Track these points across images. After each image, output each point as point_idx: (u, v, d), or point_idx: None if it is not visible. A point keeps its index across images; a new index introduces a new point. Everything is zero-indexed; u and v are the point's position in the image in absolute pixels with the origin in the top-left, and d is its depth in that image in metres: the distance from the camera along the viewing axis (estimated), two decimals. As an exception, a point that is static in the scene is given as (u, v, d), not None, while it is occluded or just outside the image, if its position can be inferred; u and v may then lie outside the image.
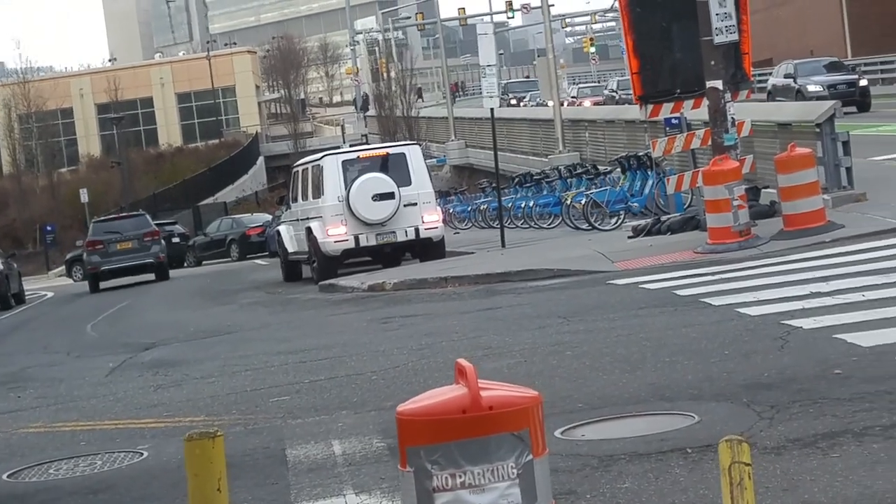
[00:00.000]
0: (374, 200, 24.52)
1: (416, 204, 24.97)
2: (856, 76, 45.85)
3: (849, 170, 20.23)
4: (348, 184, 24.62)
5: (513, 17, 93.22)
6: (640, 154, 27.12)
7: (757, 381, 9.23)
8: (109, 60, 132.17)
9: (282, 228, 28.61)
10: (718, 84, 18.54)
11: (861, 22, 65.30)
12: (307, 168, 26.41)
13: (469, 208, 39.64)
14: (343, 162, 25.12)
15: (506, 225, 28.35)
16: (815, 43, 65.21)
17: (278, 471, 8.79)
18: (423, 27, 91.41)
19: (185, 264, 51.58)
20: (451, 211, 40.21)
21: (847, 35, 66.52)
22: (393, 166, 25.05)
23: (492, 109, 27.76)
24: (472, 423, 4.31)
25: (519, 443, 4.35)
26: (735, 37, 18.55)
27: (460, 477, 4.31)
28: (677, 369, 10.09)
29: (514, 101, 73.54)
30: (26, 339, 23.76)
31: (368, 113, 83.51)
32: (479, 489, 4.31)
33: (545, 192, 32.25)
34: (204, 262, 51.19)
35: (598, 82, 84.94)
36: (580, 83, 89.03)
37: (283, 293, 25.46)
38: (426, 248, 25.50)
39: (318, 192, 25.28)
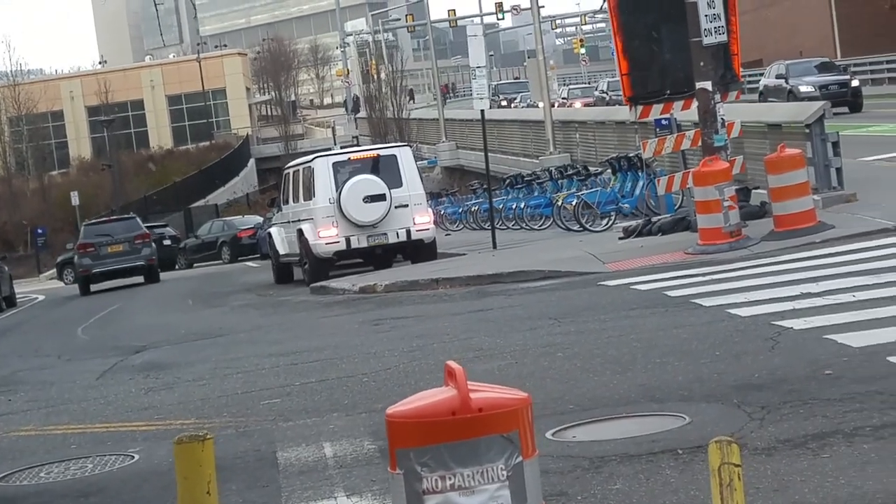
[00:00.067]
0: (366, 202, 24.52)
1: (407, 205, 24.97)
2: (847, 77, 45.92)
3: (839, 170, 20.26)
4: (339, 186, 24.61)
5: (503, 19, 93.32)
6: (631, 155, 27.15)
7: (747, 381, 9.24)
8: (100, 63, 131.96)
9: (273, 230, 28.59)
10: (708, 85, 18.56)
11: (850, 22, 65.44)
12: (298, 170, 26.40)
13: (460, 210, 39.67)
14: (334, 164, 25.12)
15: (497, 226, 28.36)
16: (804, 44, 65.34)
17: (269, 473, 8.78)
18: (413, 29, 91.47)
19: (177, 267, 51.53)
20: (442, 212, 40.22)
21: (836, 36, 66.66)
22: (384, 168, 25.06)
23: (482, 111, 27.76)
24: (462, 425, 4.31)
25: (508, 444, 4.35)
26: (724, 38, 18.57)
27: (450, 479, 4.31)
28: (668, 370, 10.10)
29: (504, 103, 73.54)
30: (17, 343, 23.73)
31: (359, 115, 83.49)
32: (468, 491, 4.31)
33: (536, 194, 32.28)
34: (195, 265, 51.14)
35: (589, 83, 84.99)
36: (570, 84, 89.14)
37: (275, 295, 25.45)
38: (418, 250, 25.50)
39: (310, 194, 25.27)
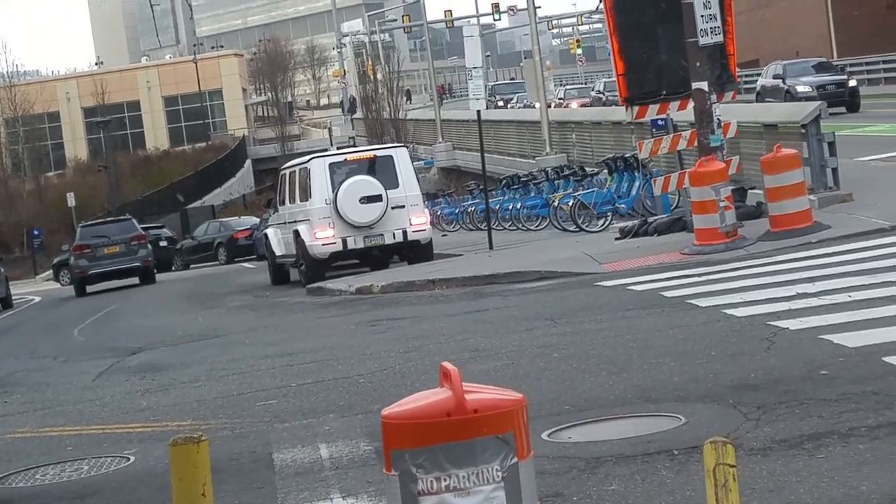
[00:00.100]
0: (362, 203, 24.51)
1: (403, 206, 24.97)
2: (845, 77, 45.91)
3: (835, 170, 20.28)
4: (336, 186, 24.60)
5: (499, 20, 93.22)
6: (627, 155, 27.16)
7: (743, 382, 9.24)
8: (96, 64, 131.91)
9: (269, 231, 28.59)
10: (704, 85, 18.57)
11: (846, 23, 65.48)
12: (294, 171, 26.39)
13: (457, 210, 39.68)
14: (330, 164, 25.11)
15: (493, 227, 28.37)
16: (800, 44, 65.37)
17: (265, 475, 8.78)
18: (410, 29, 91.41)
19: (173, 268, 51.52)
20: (438, 213, 40.24)
21: (832, 36, 66.70)
22: (380, 169, 25.05)
23: (478, 111, 27.78)
24: (457, 426, 4.31)
25: (504, 446, 4.35)
26: (720, 38, 18.58)
27: (445, 480, 4.31)
28: (664, 371, 10.10)
29: (501, 103, 73.54)
30: (13, 344, 23.72)
31: (356, 115, 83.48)
32: (464, 492, 4.31)
33: (532, 194, 32.30)
34: (192, 266, 51.15)
35: (585, 84, 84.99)
36: (567, 85, 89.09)
37: (271, 296, 25.44)
38: (414, 251, 25.49)
39: (306, 194, 25.26)
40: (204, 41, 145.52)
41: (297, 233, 25.28)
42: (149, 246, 38.96)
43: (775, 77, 46.65)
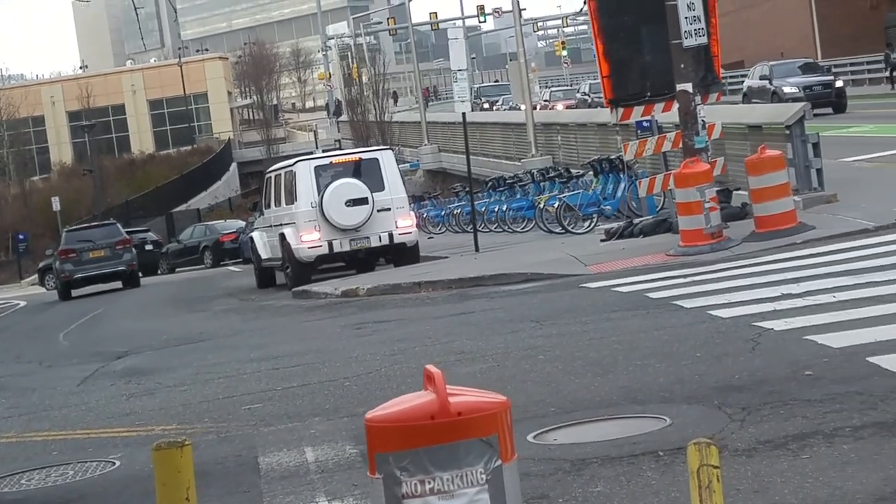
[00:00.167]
0: (348, 206, 24.49)
1: (389, 209, 24.95)
2: (831, 77, 45.99)
3: (819, 171, 20.33)
4: (321, 189, 24.57)
5: (484, 22, 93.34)
6: (613, 157, 27.19)
7: (728, 383, 9.26)
8: (80, 68, 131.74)
9: (255, 235, 28.55)
10: (688, 87, 18.60)
11: (830, 23, 65.69)
12: (280, 174, 26.36)
13: (443, 213, 39.68)
14: (316, 167, 25.08)
15: (479, 229, 28.38)
16: (784, 44, 65.54)
17: (250, 479, 8.77)
18: (395, 32, 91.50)
19: (159, 272, 51.42)
20: (424, 215, 40.22)
21: (816, 36, 66.89)
22: (366, 171, 25.03)
23: (464, 114, 27.80)
24: (441, 429, 4.30)
25: (488, 448, 4.35)
26: (704, 39, 18.62)
27: (429, 483, 4.31)
28: (649, 372, 10.12)
29: (486, 105, 73.61)
30: (-2, 349, 23.64)
31: (341, 118, 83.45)
32: (448, 495, 4.31)
33: (518, 196, 32.31)
34: (177, 270, 51.04)
35: (571, 85, 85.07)
36: (552, 86, 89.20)
37: (257, 300, 25.41)
38: (400, 253, 25.48)
39: (292, 197, 25.24)
40: (189, 44, 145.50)
41: (282, 236, 25.25)
42: (133, 250, 39.25)
43: (762, 78, 46.74)
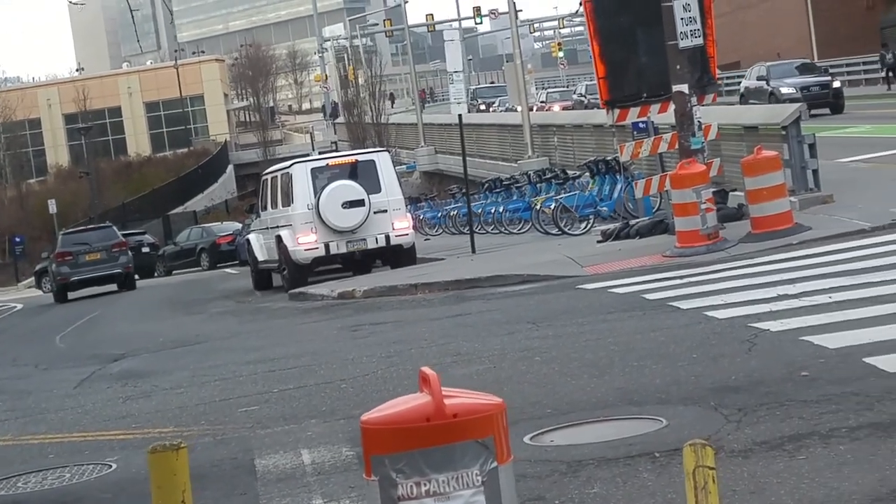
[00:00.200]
0: (344, 208, 24.49)
1: (386, 211, 24.95)
2: (829, 78, 45.97)
3: (815, 172, 20.34)
4: (318, 191, 24.57)
5: (481, 23, 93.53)
6: (609, 158, 27.19)
7: (724, 384, 9.26)
8: (77, 70, 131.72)
9: (252, 237, 28.54)
10: (684, 88, 18.61)
11: (827, 24, 65.73)
12: (276, 176, 26.36)
13: (439, 214, 39.65)
14: (312, 169, 25.07)
15: (476, 230, 28.37)
16: (781, 45, 65.59)
17: (246, 481, 8.76)
18: (392, 34, 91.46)
19: (156, 274, 51.39)
20: (421, 217, 40.21)
21: (813, 37, 66.93)
22: (362, 173, 25.02)
23: (460, 115, 27.81)
24: (437, 430, 4.31)
25: (483, 450, 4.35)
26: (700, 41, 18.63)
27: (425, 485, 4.31)
28: (645, 373, 10.12)
29: (483, 107, 73.63)
30: (-5, 352, 23.62)
31: (338, 120, 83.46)
32: (443, 497, 4.31)
33: (515, 198, 32.31)
34: (174, 272, 51.01)
35: (567, 87, 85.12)
36: (549, 88, 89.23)
37: (254, 302, 25.41)
38: (397, 255, 25.46)
39: (288, 200, 25.23)
40: (185, 46, 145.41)
41: (279, 238, 25.24)
42: (129, 253, 39.48)
43: (759, 79, 46.72)
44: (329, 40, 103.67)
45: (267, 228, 26.78)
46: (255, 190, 37.28)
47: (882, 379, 8.66)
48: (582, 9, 21.70)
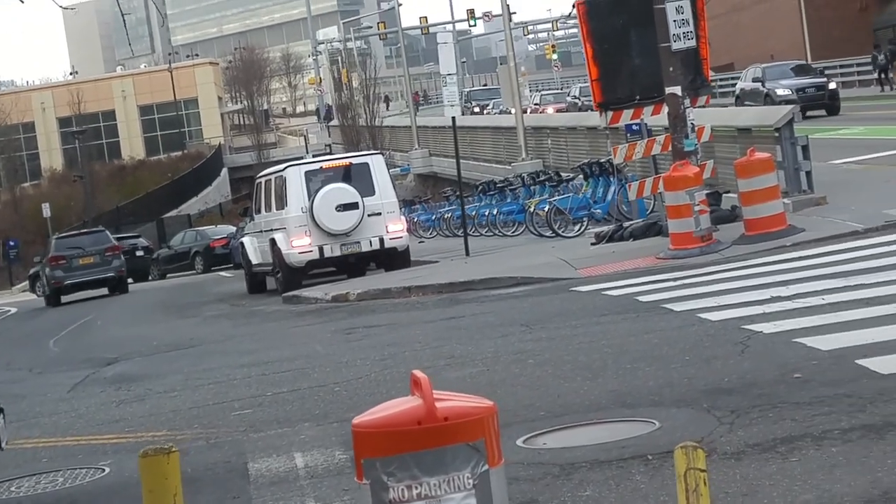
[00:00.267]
0: (338, 211, 24.48)
1: (380, 213, 24.94)
2: (824, 79, 45.95)
3: (808, 174, 20.36)
4: (312, 194, 24.56)
5: (475, 25, 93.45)
6: (603, 160, 27.21)
7: (717, 386, 9.27)
8: (71, 74, 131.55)
9: (246, 240, 28.52)
10: (677, 90, 18.62)
11: (820, 26, 65.80)
12: (270, 179, 26.35)
13: (433, 217, 39.63)
14: (306, 172, 25.06)
15: (470, 233, 28.38)
16: (775, 47, 65.64)
17: (240, 484, 8.76)
18: (385, 36, 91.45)
19: (150, 277, 51.34)
20: (415, 220, 40.20)
21: (806, 39, 67.00)
22: (356, 176, 25.02)
23: (453, 118, 27.81)
24: (428, 434, 4.31)
25: (475, 453, 4.35)
26: (693, 43, 18.64)
27: (416, 488, 4.31)
28: (638, 376, 10.12)
29: (477, 109, 73.63)
30: (-12, 356, 23.58)
31: (332, 123, 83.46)
32: (435, 500, 4.31)
33: (509, 200, 32.31)
34: (168, 275, 50.96)
35: (561, 89, 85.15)
36: (543, 90, 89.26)
37: (248, 305, 25.39)
38: (391, 258, 25.46)
39: (282, 203, 25.22)
40: (179, 50, 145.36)
41: (273, 241, 25.23)
42: (122, 257, 39.76)
43: (754, 80, 46.69)
44: (323, 43, 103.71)
45: (261, 231, 26.77)
46: (249, 193, 37.30)
47: (874, 381, 8.67)
48: (575, 11, 21.71)
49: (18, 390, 16.52)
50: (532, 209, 27.69)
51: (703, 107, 21.40)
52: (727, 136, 22.66)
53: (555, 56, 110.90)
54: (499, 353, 12.51)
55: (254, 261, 27.56)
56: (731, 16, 71.47)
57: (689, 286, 14.87)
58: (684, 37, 18.43)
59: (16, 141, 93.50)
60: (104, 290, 38.68)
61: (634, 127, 21.41)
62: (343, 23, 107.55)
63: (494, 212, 31.68)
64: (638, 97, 20.35)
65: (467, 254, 25.65)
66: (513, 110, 42.58)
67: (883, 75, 52.28)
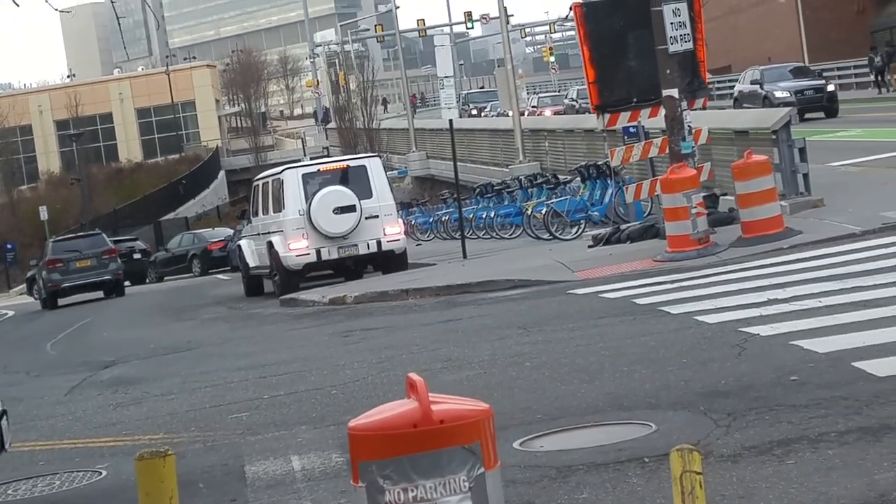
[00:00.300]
0: (336, 213, 24.47)
1: (377, 216, 24.93)
2: (823, 82, 45.96)
3: (806, 176, 20.38)
4: (309, 197, 24.55)
5: (472, 28, 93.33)
6: (600, 163, 27.21)
7: (714, 388, 9.27)
8: (68, 76, 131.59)
9: (243, 243, 28.51)
10: (674, 92, 18.64)
11: (817, 28, 65.85)
12: (268, 182, 26.34)
13: (431, 219, 39.66)
14: (304, 175, 25.05)
15: (467, 235, 28.38)
16: (772, 49, 65.69)
17: (237, 487, 8.75)
18: (383, 39, 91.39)
19: (147, 280, 51.32)
20: (413, 222, 40.23)
21: (804, 41, 67.05)
22: (354, 179, 25.01)
23: (451, 120, 27.82)
24: (424, 437, 4.31)
25: (470, 456, 4.35)
26: (690, 45, 18.66)
27: (412, 491, 4.31)
28: (635, 378, 10.12)
29: (474, 112, 73.62)
30: (-14, 359, 23.57)
31: (329, 125, 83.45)
32: (431, 503, 4.32)
33: (506, 203, 32.33)
34: (166, 278, 50.94)
35: (558, 91, 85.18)
36: (540, 92, 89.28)
37: (245, 308, 25.38)
38: (388, 261, 25.45)
39: (279, 205, 25.21)
40: (177, 52, 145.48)
41: (270, 244, 25.22)
42: (119, 260, 39.94)
43: (753, 83, 46.68)
44: (320, 46, 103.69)
45: (258, 234, 26.76)
46: (247, 196, 37.31)
47: (871, 383, 8.67)
48: (572, 13, 21.72)
49: (15, 393, 16.49)
50: (529, 212, 27.69)
51: (701, 109, 21.41)
52: (724, 139, 22.67)
53: (552, 58, 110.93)
54: (496, 355, 12.51)
55: (251, 263, 27.55)
56: (729, 18, 71.51)
57: (686, 288, 14.87)
58: (681, 39, 18.44)
59: (13, 144, 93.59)
60: (99, 294, 38.74)
61: (632, 129, 21.43)
62: (340, 25, 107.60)
63: (492, 214, 31.70)
64: (635, 99, 20.40)
65: (464, 256, 25.66)
66: (510, 113, 42.59)
67: (879, 77, 52.32)
